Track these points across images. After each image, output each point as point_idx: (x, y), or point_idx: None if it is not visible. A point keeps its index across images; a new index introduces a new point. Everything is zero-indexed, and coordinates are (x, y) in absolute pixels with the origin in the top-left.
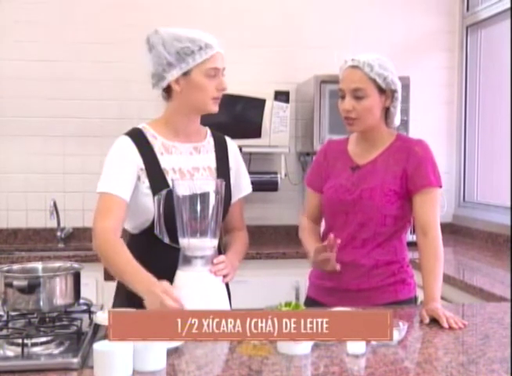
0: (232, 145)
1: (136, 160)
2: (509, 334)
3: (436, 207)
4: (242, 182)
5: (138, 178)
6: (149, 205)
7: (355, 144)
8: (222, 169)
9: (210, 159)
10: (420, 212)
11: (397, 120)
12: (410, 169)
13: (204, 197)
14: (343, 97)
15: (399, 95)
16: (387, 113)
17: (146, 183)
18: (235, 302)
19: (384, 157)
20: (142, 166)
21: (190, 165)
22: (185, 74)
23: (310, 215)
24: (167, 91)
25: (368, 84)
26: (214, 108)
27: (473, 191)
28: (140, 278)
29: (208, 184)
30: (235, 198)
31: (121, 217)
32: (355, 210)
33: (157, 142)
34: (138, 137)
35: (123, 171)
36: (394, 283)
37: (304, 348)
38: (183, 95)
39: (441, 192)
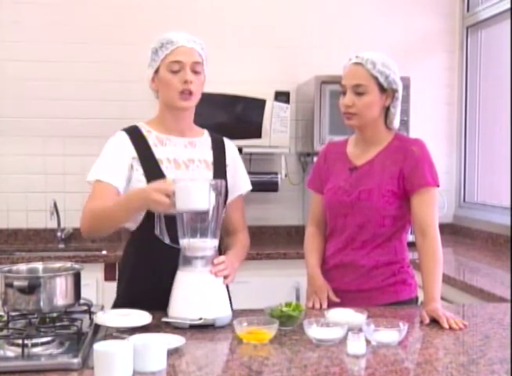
0: (230, 144)
1: (128, 150)
2: (509, 335)
3: (434, 207)
4: (239, 180)
5: (131, 166)
6: None
7: (353, 145)
8: (219, 164)
9: (206, 153)
10: (418, 213)
11: (396, 121)
12: (407, 169)
13: None
14: (344, 93)
15: (400, 95)
16: (386, 113)
17: (139, 170)
18: (235, 303)
19: (381, 157)
20: (135, 155)
21: (185, 157)
22: (156, 72)
23: (314, 220)
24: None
25: (369, 81)
26: (182, 103)
27: (473, 191)
28: (132, 198)
29: (205, 175)
30: (232, 196)
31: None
32: (353, 211)
33: (151, 135)
34: (132, 131)
35: (114, 160)
36: (395, 283)
37: None
38: (159, 93)
39: (440, 192)
